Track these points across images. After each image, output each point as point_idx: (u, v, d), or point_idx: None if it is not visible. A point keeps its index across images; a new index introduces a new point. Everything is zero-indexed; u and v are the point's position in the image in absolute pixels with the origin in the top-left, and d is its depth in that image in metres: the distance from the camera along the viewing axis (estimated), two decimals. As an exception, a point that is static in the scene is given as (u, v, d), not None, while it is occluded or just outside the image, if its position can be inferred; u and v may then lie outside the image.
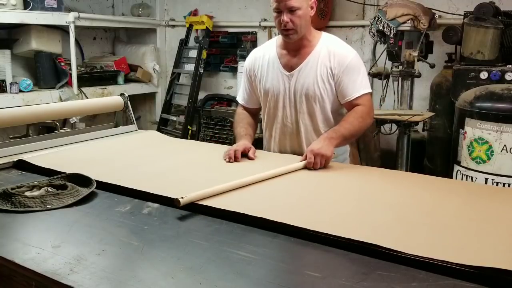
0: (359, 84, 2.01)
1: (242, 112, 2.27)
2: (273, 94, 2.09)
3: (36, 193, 1.51)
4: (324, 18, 4.33)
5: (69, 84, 4.55)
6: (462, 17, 3.54)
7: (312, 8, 1.98)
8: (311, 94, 2.01)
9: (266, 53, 2.13)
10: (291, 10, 1.90)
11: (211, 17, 5.13)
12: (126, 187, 1.58)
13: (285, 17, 1.90)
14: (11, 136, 2.38)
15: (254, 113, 2.29)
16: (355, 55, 2.03)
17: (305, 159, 1.86)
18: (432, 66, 3.66)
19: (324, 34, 2.08)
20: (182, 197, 1.38)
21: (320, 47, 2.02)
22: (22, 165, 1.89)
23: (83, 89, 4.62)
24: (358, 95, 2.00)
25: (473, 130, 2.90)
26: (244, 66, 2.25)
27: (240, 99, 2.29)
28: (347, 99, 2.01)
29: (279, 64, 2.07)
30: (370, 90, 2.05)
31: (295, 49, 2.04)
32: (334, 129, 1.97)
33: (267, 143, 2.22)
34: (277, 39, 2.14)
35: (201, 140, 4.81)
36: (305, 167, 1.85)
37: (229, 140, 4.74)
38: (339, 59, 1.99)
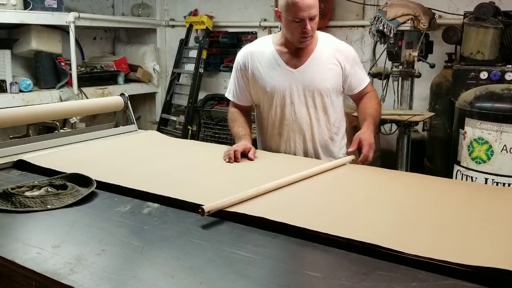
0: (364, 75, 2.18)
1: (236, 110, 2.24)
2: (279, 92, 2.08)
3: (36, 193, 1.51)
4: (324, 18, 4.33)
5: (69, 84, 4.55)
6: (462, 17, 3.54)
7: None
8: (323, 89, 2.06)
9: (264, 50, 2.12)
10: (311, 19, 1.95)
11: (211, 17, 5.14)
12: (126, 187, 1.58)
13: (309, 26, 1.95)
14: (11, 136, 2.38)
15: (247, 110, 2.27)
16: (353, 48, 2.17)
17: (355, 148, 1.96)
18: (432, 66, 3.66)
19: (319, 33, 2.14)
20: (208, 212, 1.34)
21: (321, 44, 2.09)
22: (22, 165, 1.89)
23: (83, 89, 4.62)
24: (366, 84, 2.17)
25: (473, 130, 2.90)
26: (236, 61, 2.19)
27: (230, 96, 2.24)
28: (358, 89, 2.15)
29: (282, 61, 2.07)
30: (369, 79, 2.23)
31: (296, 48, 2.06)
32: (371, 121, 2.07)
33: (273, 142, 2.18)
34: (272, 37, 2.14)
35: (201, 140, 4.81)
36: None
37: (229, 140, 4.74)
38: (345, 54, 2.10)
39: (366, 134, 1.99)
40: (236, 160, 1.92)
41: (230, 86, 2.25)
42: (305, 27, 1.93)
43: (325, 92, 2.06)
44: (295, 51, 2.06)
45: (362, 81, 2.15)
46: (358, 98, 2.19)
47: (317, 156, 2.13)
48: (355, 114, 3.23)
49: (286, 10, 1.93)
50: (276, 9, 2.03)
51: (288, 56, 2.07)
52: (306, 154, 2.13)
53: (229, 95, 2.26)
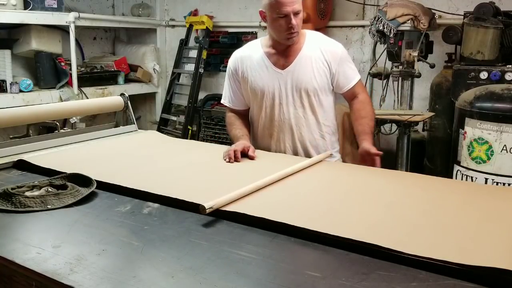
0: (353, 72, 2.15)
1: (232, 115, 2.27)
2: (268, 93, 2.10)
3: (36, 193, 1.51)
4: (324, 18, 4.33)
5: (69, 84, 4.55)
6: (462, 17, 3.54)
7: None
8: (310, 88, 2.07)
9: (253, 53, 2.15)
10: (296, 13, 1.95)
11: (211, 17, 5.13)
12: (126, 187, 1.58)
13: (294, 21, 1.96)
14: (11, 136, 2.38)
15: (244, 114, 2.28)
16: (341, 46, 2.16)
17: (361, 157, 2.01)
18: (432, 66, 3.66)
19: (307, 32, 2.16)
20: (209, 207, 1.33)
21: (308, 44, 2.10)
22: (22, 165, 1.89)
23: (83, 89, 4.62)
24: (355, 82, 2.14)
25: (473, 130, 2.90)
26: (228, 67, 2.23)
27: (226, 101, 2.27)
28: (346, 88, 2.13)
29: (270, 63, 2.10)
30: (360, 76, 2.20)
31: (283, 48, 2.09)
32: (369, 132, 2.08)
33: (264, 143, 2.20)
34: (261, 40, 2.18)
35: (201, 140, 4.81)
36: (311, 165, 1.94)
37: (229, 140, 4.71)
38: (332, 53, 2.10)
39: (370, 147, 2.01)
40: (236, 159, 1.92)
41: (225, 93, 2.28)
42: (290, 22, 1.95)
43: (312, 91, 2.08)
44: (283, 51, 2.09)
45: (350, 80, 2.13)
46: (348, 96, 2.18)
47: (307, 155, 2.12)
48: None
49: (270, 8, 1.96)
50: (260, 10, 2.05)
51: (276, 57, 2.10)
52: (296, 154, 2.14)
53: (224, 101, 2.29)
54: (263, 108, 2.14)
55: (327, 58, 2.08)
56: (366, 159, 2.00)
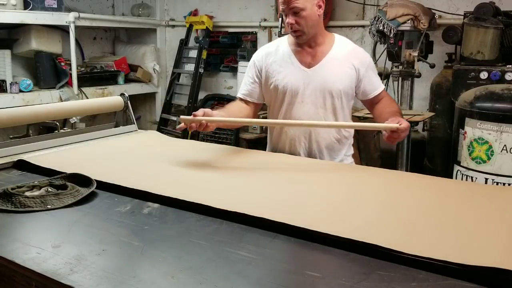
0: (379, 81, 2.16)
1: (236, 102, 2.21)
2: (291, 89, 2.06)
3: (36, 193, 1.51)
4: (324, 18, 4.31)
5: (69, 84, 4.56)
6: (462, 17, 3.54)
7: (320, 7, 2.00)
8: (335, 91, 2.04)
9: (279, 49, 2.13)
10: (295, 12, 1.94)
11: (211, 17, 5.14)
12: (126, 187, 1.58)
13: (290, 19, 1.96)
14: (11, 136, 2.38)
15: (252, 108, 2.20)
16: (368, 54, 2.18)
17: (396, 122, 1.83)
18: (432, 66, 3.66)
19: (336, 36, 2.15)
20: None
21: (337, 46, 2.09)
22: (22, 165, 1.89)
23: (83, 89, 4.62)
24: (381, 89, 2.14)
25: (473, 130, 2.90)
26: (252, 60, 2.19)
27: (240, 94, 2.20)
28: (372, 95, 2.12)
29: (296, 60, 2.07)
30: (384, 86, 2.20)
31: (310, 47, 2.06)
32: (399, 112, 2.05)
33: (280, 140, 2.16)
34: (289, 37, 2.13)
35: (201, 140, 4.81)
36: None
37: (229, 140, 4.74)
38: (361, 58, 2.09)
39: (404, 122, 1.85)
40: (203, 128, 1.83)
41: (241, 86, 2.23)
42: (287, 21, 1.97)
43: (336, 93, 2.05)
44: (310, 50, 2.06)
45: (377, 87, 2.12)
46: (372, 104, 2.15)
47: (321, 157, 2.10)
48: (356, 114, 3.24)
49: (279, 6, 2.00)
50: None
51: (302, 55, 2.07)
52: (310, 154, 2.10)
53: (239, 95, 2.22)
54: (283, 105, 2.10)
55: (355, 63, 2.05)
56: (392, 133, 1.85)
